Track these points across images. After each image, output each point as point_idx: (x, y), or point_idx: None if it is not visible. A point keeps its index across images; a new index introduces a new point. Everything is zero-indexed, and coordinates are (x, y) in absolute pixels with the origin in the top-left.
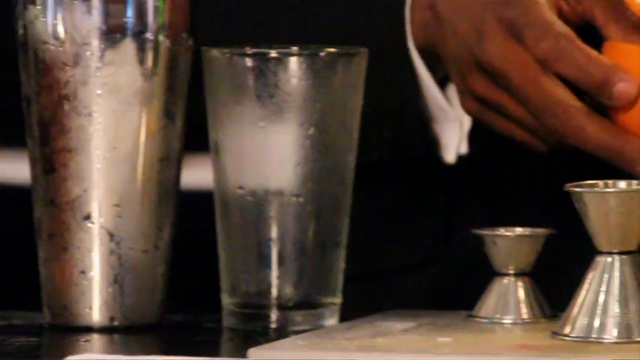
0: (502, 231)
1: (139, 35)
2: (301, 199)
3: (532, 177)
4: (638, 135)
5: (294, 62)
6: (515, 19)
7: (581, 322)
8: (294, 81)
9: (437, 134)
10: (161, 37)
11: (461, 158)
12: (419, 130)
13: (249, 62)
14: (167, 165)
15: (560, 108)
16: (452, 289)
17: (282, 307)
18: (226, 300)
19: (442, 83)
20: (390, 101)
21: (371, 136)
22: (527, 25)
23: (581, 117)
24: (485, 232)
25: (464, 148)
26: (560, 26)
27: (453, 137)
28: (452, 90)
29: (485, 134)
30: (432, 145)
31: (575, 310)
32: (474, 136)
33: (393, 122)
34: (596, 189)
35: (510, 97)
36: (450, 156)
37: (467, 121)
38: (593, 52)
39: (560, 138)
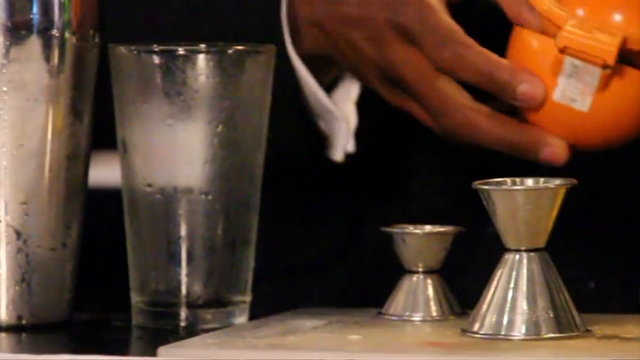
0: (411, 229)
1: (44, 32)
2: (210, 197)
3: (440, 174)
4: (548, 130)
5: (201, 60)
6: (409, 25)
7: (490, 319)
8: (202, 78)
9: (324, 133)
10: (67, 34)
11: (348, 155)
12: (301, 131)
13: (156, 59)
14: (75, 162)
15: (451, 107)
16: (362, 287)
17: (191, 305)
18: (135, 298)
19: (335, 81)
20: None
21: None
22: (424, 33)
23: (472, 115)
24: (395, 229)
25: (351, 147)
26: (458, 33)
27: (340, 136)
28: (341, 89)
29: (372, 132)
30: (319, 144)
31: (484, 307)
32: (361, 133)
33: (275, 124)
34: (504, 186)
35: (415, 101)
36: (337, 155)
37: (353, 120)
38: (494, 56)
39: (460, 138)
